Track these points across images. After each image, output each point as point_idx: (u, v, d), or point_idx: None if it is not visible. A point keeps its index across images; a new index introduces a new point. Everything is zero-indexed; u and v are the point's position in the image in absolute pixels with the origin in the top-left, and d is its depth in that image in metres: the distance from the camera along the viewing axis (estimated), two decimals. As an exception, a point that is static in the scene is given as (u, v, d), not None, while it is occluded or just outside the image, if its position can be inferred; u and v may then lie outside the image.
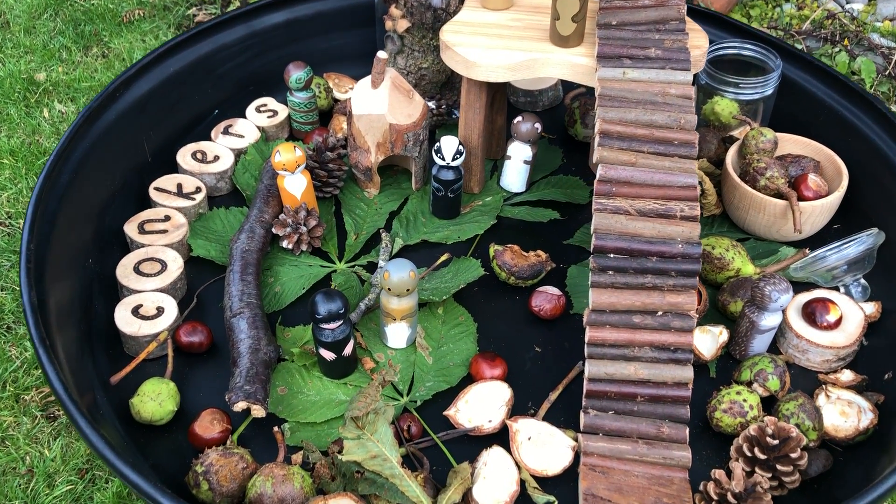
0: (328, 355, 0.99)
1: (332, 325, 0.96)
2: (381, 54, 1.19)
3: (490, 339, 1.09)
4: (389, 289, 0.99)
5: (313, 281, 1.14)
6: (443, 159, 1.18)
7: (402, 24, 1.30)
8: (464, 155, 1.19)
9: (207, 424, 0.96)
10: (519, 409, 1.01)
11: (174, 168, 1.28)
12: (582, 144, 1.39)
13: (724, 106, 1.28)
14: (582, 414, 0.95)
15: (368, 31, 1.48)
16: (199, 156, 1.28)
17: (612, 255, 0.95)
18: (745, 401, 0.97)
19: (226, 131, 1.34)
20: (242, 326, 1.03)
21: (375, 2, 1.45)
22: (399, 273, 0.98)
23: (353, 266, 1.18)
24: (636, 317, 0.94)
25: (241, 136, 1.33)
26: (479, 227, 1.23)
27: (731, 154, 1.24)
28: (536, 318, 1.11)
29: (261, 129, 1.36)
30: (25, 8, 1.81)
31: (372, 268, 1.18)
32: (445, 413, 0.99)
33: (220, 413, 0.97)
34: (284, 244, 1.17)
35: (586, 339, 0.95)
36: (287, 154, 1.15)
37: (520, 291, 1.15)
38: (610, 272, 0.95)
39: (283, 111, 1.38)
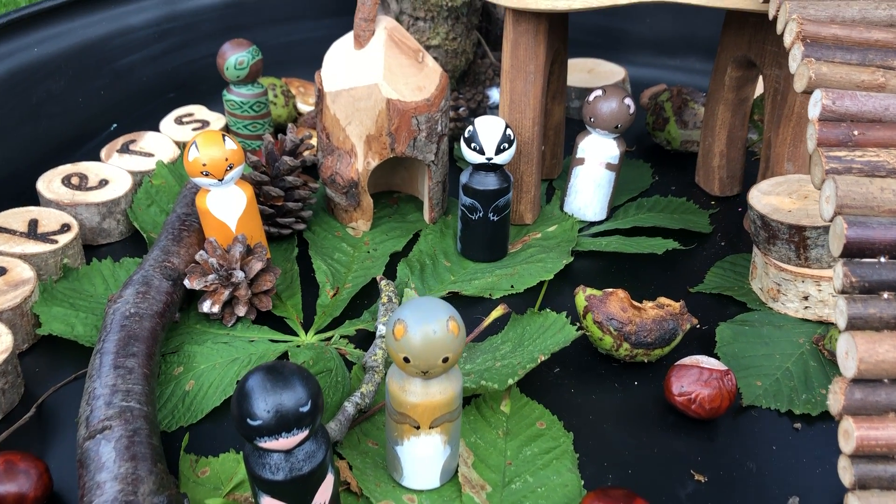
0: (280, 510, 0.46)
1: (287, 443, 0.44)
2: (370, -12, 0.71)
3: (603, 462, 0.56)
4: (407, 359, 0.47)
5: (257, 368, 0.62)
6: (480, 153, 0.69)
7: (399, -24, 0.84)
8: (514, 146, 0.70)
9: None
10: None
11: (34, 201, 0.78)
12: (679, 156, 0.91)
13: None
14: None
15: (349, 20, 1.02)
16: (74, 181, 0.78)
17: (883, 260, 0.45)
18: None
19: (125, 149, 0.84)
20: (105, 456, 0.50)
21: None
22: (426, 324, 0.47)
23: (330, 339, 0.66)
24: (954, 390, 0.43)
25: (150, 155, 0.84)
26: (545, 270, 0.72)
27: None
28: (684, 417, 0.59)
29: (181, 146, 0.86)
30: None
31: (364, 340, 0.66)
32: None
33: None
34: (206, 307, 0.65)
35: (848, 448, 0.43)
36: (210, 147, 0.65)
37: (640, 370, 0.63)
38: (886, 295, 0.44)
39: (217, 121, 0.89)
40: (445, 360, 0.47)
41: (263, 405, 0.43)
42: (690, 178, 0.88)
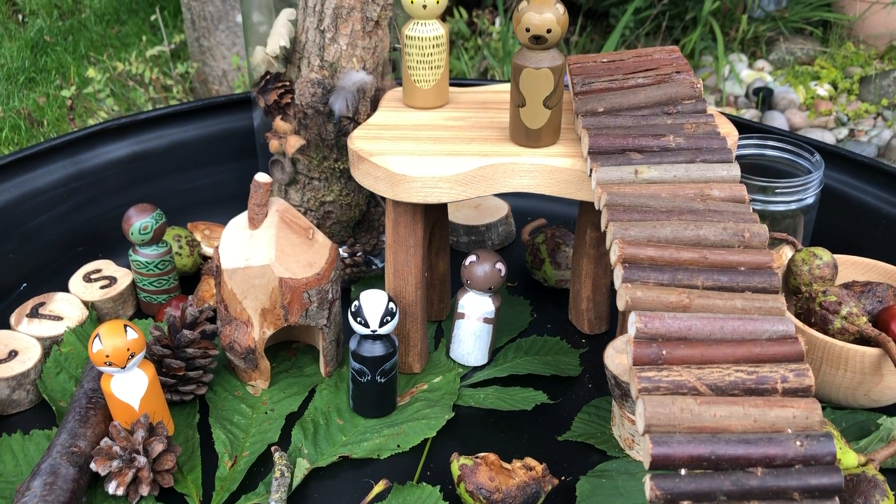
0: None
1: None
2: (262, 177, 0.79)
3: None
4: (286, 571, 0.54)
5: (160, 549, 0.68)
6: (365, 326, 0.76)
7: (294, 143, 0.92)
8: (396, 317, 0.77)
9: None
10: None
11: (-57, 375, 0.82)
12: (555, 292, 1.00)
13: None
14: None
15: (247, 163, 1.10)
16: (-17, 353, 0.83)
17: (684, 473, 0.54)
18: None
19: (35, 313, 0.89)
20: None
21: (255, 124, 1.07)
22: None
23: (229, 515, 0.72)
24: (742, 582, 0.52)
25: (59, 319, 0.89)
26: (428, 428, 0.80)
27: (773, 287, 0.87)
28: (543, 580, 0.67)
29: (90, 306, 0.91)
30: None
31: (261, 514, 0.72)
32: None
33: None
34: (112, 488, 0.71)
35: None
36: (112, 338, 0.71)
37: (507, 531, 0.71)
38: None
39: (124, 277, 0.95)
40: (321, 569, 0.54)
41: None
42: (565, 314, 0.97)
